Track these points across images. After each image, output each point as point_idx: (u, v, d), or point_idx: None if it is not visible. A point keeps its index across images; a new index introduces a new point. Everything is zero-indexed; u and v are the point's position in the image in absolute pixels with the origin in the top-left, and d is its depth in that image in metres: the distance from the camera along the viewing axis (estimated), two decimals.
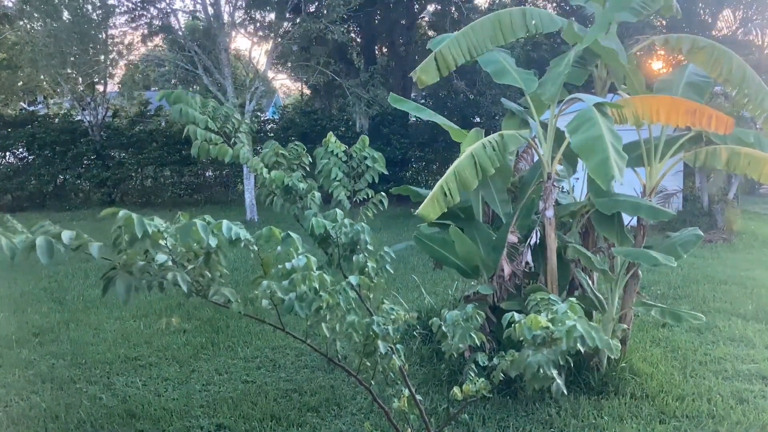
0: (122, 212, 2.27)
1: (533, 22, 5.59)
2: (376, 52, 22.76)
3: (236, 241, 2.49)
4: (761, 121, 5.48)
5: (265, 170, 3.45)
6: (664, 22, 18.13)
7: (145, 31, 19.15)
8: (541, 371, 2.66)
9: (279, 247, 2.70)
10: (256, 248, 2.61)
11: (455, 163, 5.02)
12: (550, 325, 2.68)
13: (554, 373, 2.68)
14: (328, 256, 3.35)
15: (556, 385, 2.71)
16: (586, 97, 5.05)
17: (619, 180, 4.27)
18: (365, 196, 3.69)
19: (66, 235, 2.17)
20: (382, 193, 3.73)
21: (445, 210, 4.97)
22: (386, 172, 3.80)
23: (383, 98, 17.83)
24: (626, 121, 4.99)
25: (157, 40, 20.35)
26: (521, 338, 2.78)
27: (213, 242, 2.38)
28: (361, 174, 3.71)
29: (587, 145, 4.53)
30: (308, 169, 3.67)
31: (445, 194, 4.87)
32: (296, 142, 3.68)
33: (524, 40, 12.36)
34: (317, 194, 3.51)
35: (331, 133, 3.75)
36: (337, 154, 3.65)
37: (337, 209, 3.40)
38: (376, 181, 3.73)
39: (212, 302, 2.67)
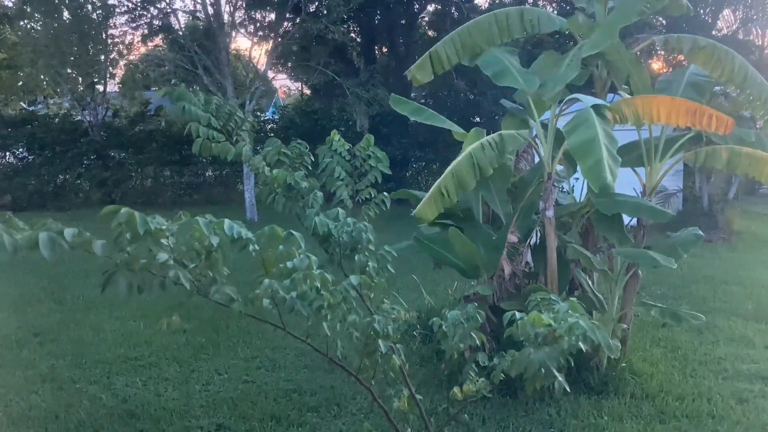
0: (124, 210, 2.27)
1: (531, 21, 5.59)
2: (376, 52, 22.75)
3: (238, 240, 2.48)
4: (763, 121, 5.48)
5: (267, 168, 3.44)
6: (664, 22, 18.12)
7: (145, 31, 19.14)
8: (543, 370, 2.66)
9: (281, 247, 2.70)
10: (257, 247, 2.60)
11: (453, 163, 5.01)
12: (552, 322, 2.67)
13: (555, 371, 2.68)
14: (329, 255, 3.35)
15: (558, 383, 2.71)
16: (584, 98, 5.05)
17: (611, 184, 4.30)
18: (368, 196, 3.68)
19: (68, 232, 2.17)
20: (385, 193, 3.72)
21: (443, 210, 4.96)
22: (389, 173, 3.79)
23: (383, 98, 17.80)
24: (626, 121, 4.99)
25: (157, 40, 20.35)
26: (522, 337, 2.78)
27: (215, 240, 2.37)
28: (364, 173, 3.70)
29: (582, 147, 4.56)
30: (310, 168, 3.66)
31: (443, 194, 4.86)
32: (299, 141, 3.66)
33: (524, 39, 12.36)
34: (320, 194, 3.50)
35: (335, 131, 3.74)
36: (340, 153, 3.64)
37: (338, 208, 3.40)
38: (379, 181, 3.73)
39: (213, 302, 2.67)
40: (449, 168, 4.96)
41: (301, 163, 3.60)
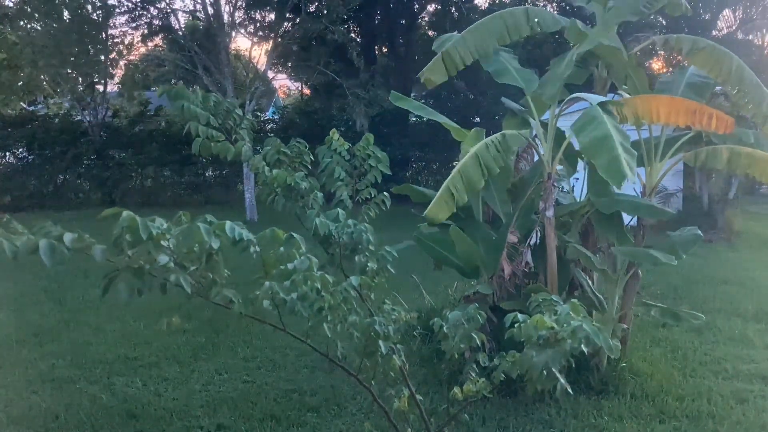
0: (125, 213, 2.27)
1: (536, 20, 5.61)
2: (376, 52, 22.74)
3: (239, 242, 2.48)
4: (759, 123, 5.50)
5: (266, 168, 3.44)
6: (664, 22, 18.12)
7: (145, 31, 19.14)
8: (545, 372, 2.66)
9: (282, 248, 2.70)
10: (258, 249, 2.60)
11: (460, 163, 5.03)
12: (555, 325, 2.67)
13: (558, 374, 2.68)
14: (330, 255, 3.35)
15: (560, 385, 2.71)
16: (589, 97, 5.04)
17: (631, 178, 4.25)
18: (368, 196, 3.67)
19: (68, 237, 2.17)
20: (385, 193, 3.71)
21: (454, 211, 4.98)
22: (389, 173, 3.77)
23: (383, 98, 17.80)
24: (626, 120, 4.99)
25: (157, 40, 20.35)
26: (524, 339, 2.77)
27: (216, 244, 2.37)
28: (363, 173, 3.69)
29: (595, 144, 4.49)
30: (309, 167, 3.65)
31: (453, 195, 4.88)
32: (298, 140, 3.65)
33: (525, 39, 12.40)
34: (320, 194, 3.50)
35: (334, 130, 3.73)
36: (340, 153, 3.63)
37: (338, 209, 3.39)
38: (379, 181, 3.72)
39: (213, 302, 2.67)
40: (456, 168, 4.98)
41: (301, 162, 3.59)
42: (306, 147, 3.65)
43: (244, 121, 3.52)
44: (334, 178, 3.58)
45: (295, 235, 2.72)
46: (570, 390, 2.77)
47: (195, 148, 3.31)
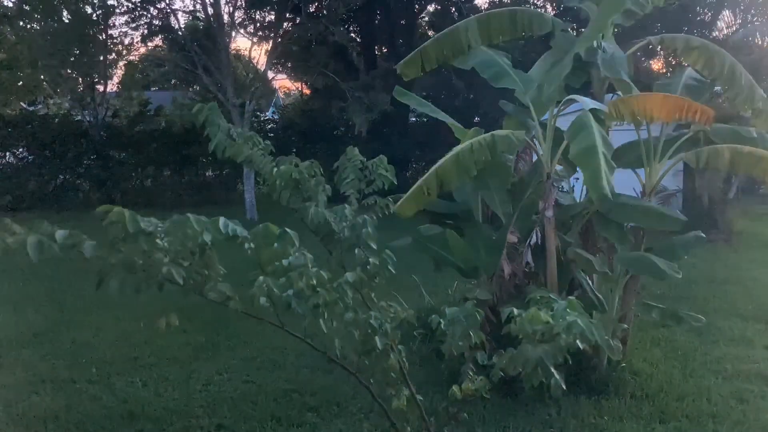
0: (115, 209, 2.29)
1: (522, 22, 5.63)
2: (376, 53, 22.73)
3: (233, 238, 2.49)
4: (752, 117, 5.58)
5: (275, 170, 3.63)
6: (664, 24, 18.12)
7: (145, 32, 19.15)
8: (540, 368, 2.66)
9: (276, 244, 2.71)
10: (252, 245, 2.61)
11: (438, 162, 5.05)
12: (550, 320, 2.68)
13: (553, 369, 2.68)
14: (330, 252, 3.38)
15: (555, 381, 2.71)
16: (582, 100, 5.06)
17: (607, 193, 4.42)
18: (373, 202, 3.86)
19: (60, 234, 2.19)
20: (389, 198, 3.90)
21: (422, 207, 5.02)
22: (395, 182, 3.95)
23: (383, 101, 17.73)
24: (623, 119, 5.02)
25: (157, 40, 20.36)
26: (521, 334, 2.78)
27: (207, 237, 2.39)
28: (372, 181, 3.91)
29: (582, 155, 4.66)
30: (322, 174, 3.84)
31: (423, 192, 4.93)
32: (312, 161, 3.81)
33: (524, 41, 12.36)
34: (327, 186, 3.66)
35: (351, 146, 3.96)
36: (354, 163, 3.86)
37: (345, 204, 3.51)
38: (386, 187, 3.89)
39: (213, 303, 2.67)
40: (434, 167, 5.00)
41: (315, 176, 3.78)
42: (320, 168, 3.82)
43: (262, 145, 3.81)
44: (343, 178, 3.79)
45: (288, 230, 2.72)
46: (564, 386, 2.77)
47: (212, 146, 3.62)
